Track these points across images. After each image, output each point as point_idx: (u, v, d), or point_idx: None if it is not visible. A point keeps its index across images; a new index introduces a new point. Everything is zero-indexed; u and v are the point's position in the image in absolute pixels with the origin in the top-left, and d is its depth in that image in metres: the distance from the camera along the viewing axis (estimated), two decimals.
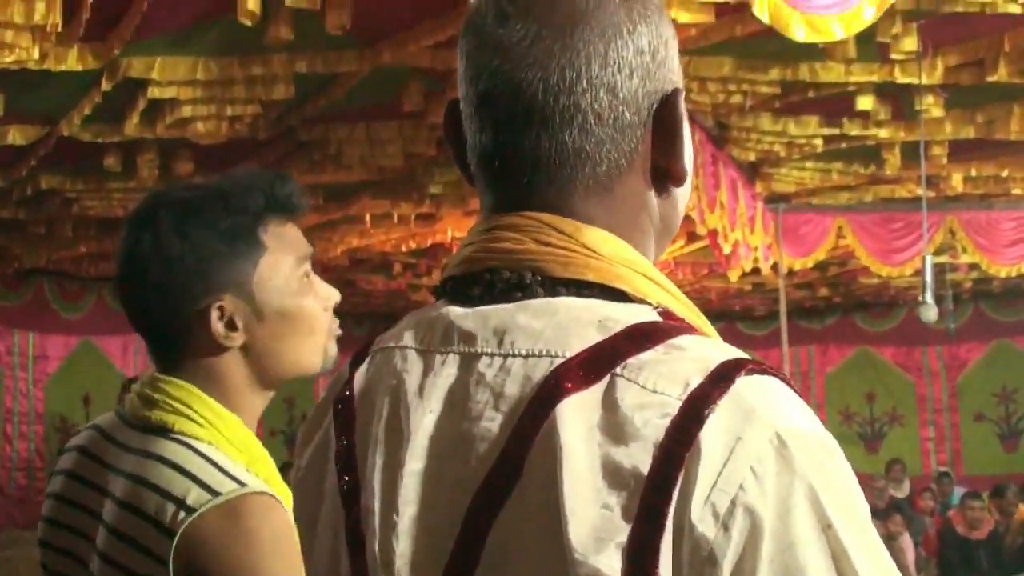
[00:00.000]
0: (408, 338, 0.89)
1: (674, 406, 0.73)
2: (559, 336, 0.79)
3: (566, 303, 0.82)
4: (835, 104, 5.97)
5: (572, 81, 0.84)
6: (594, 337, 0.78)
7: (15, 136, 5.68)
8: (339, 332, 1.55)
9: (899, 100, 6.01)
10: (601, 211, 0.86)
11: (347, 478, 0.88)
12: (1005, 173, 7.52)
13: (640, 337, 0.78)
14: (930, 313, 6.04)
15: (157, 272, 1.44)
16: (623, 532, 0.71)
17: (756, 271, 8.38)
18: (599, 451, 0.73)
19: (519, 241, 0.85)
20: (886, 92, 5.86)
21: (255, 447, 1.44)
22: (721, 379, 0.74)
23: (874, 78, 5.49)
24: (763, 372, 0.76)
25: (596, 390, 0.76)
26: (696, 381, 0.74)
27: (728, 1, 4.11)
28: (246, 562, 1.30)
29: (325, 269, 10.30)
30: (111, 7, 4.22)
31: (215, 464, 1.37)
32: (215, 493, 1.33)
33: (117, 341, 10.81)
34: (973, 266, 9.83)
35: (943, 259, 9.21)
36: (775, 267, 8.22)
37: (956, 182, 7.62)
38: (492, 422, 0.78)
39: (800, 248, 8.36)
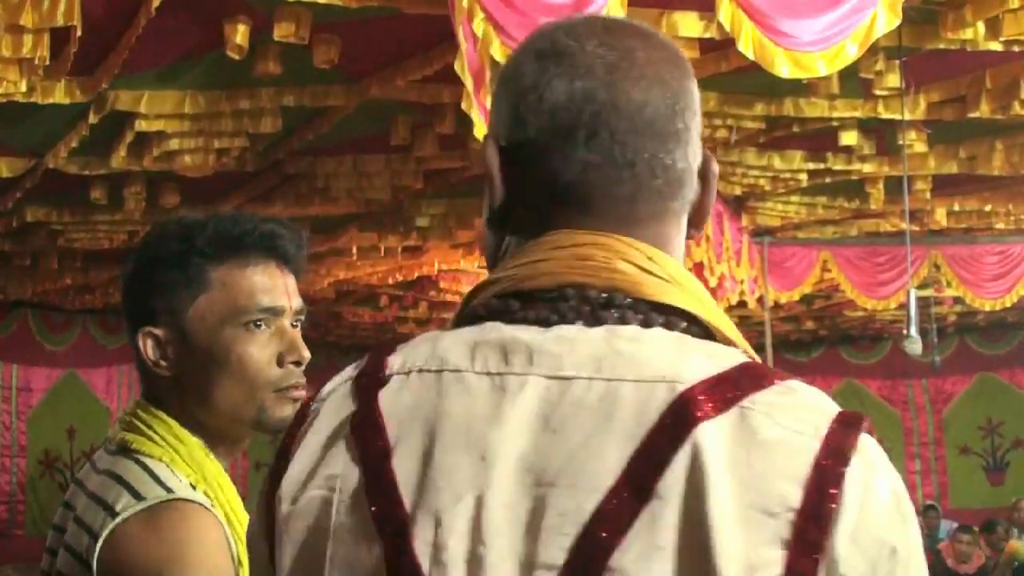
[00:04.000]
0: (458, 360, 0.84)
1: (813, 446, 0.76)
2: (670, 364, 0.79)
3: (658, 332, 0.82)
4: (819, 139, 6.02)
5: (683, 107, 0.88)
6: (707, 369, 0.79)
7: (1, 168, 5.68)
8: (299, 393, 1.48)
9: (883, 135, 6.06)
10: (668, 244, 0.89)
11: (388, 511, 0.80)
12: (988, 208, 7.58)
13: (756, 375, 0.79)
14: (915, 346, 6.05)
15: (122, 290, 1.54)
16: (778, 564, 0.73)
17: (742, 304, 8.41)
18: (745, 482, 0.74)
19: (607, 260, 0.85)
20: (870, 127, 5.91)
21: (209, 468, 1.44)
22: (850, 427, 0.77)
23: (858, 113, 5.54)
24: (870, 429, 0.81)
25: (726, 420, 0.76)
26: (824, 425, 0.77)
27: (713, 37, 4.15)
28: (162, 566, 1.30)
29: (311, 301, 10.27)
30: (99, 41, 4.23)
31: (154, 475, 1.38)
32: (140, 499, 1.34)
33: (101, 373, 10.75)
34: (957, 300, 9.88)
35: (928, 293, 9.25)
36: (761, 300, 8.25)
37: (940, 216, 7.68)
38: (604, 446, 0.76)
39: (786, 281, 8.40)
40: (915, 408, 13.93)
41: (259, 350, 1.46)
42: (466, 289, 10.33)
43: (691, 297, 0.85)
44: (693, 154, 0.89)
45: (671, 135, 0.87)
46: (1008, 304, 8.86)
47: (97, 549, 1.32)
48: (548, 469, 0.77)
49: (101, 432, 8.54)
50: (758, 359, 0.85)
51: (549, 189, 0.87)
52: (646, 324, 0.83)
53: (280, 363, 1.48)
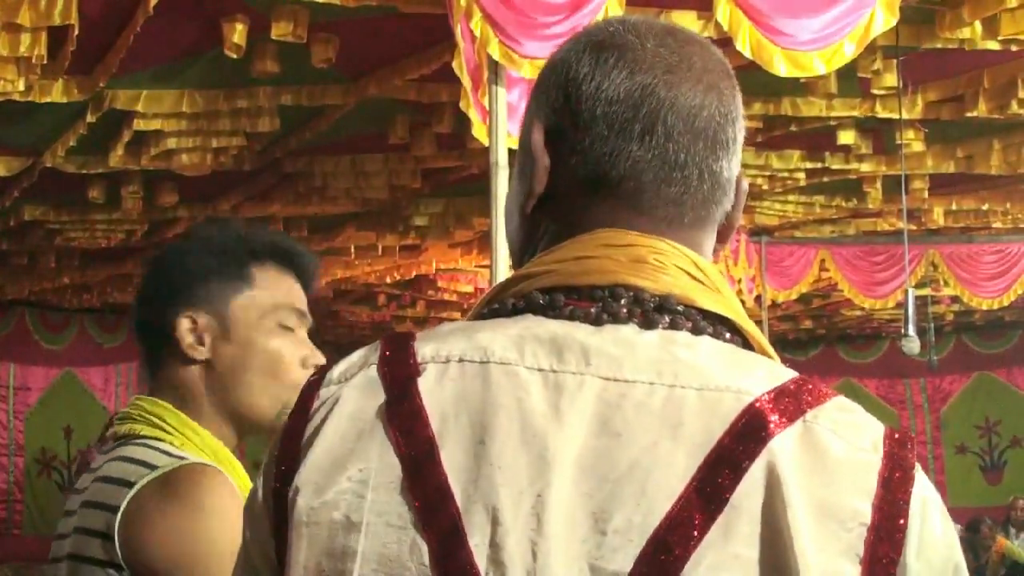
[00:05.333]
0: (504, 353, 0.80)
1: (876, 463, 0.76)
2: (732, 375, 0.79)
3: (710, 341, 0.82)
4: (817, 138, 6.03)
5: (735, 118, 0.88)
6: (768, 381, 0.78)
7: None
8: None
9: (880, 134, 6.07)
10: (703, 253, 0.89)
11: (436, 505, 0.76)
12: (986, 207, 7.59)
13: (812, 389, 0.79)
14: (913, 346, 6.06)
15: (154, 276, 1.59)
16: None
17: (740, 303, 8.40)
18: (818, 496, 0.74)
19: (661, 264, 0.84)
20: (867, 127, 5.91)
21: (223, 452, 1.49)
22: (904, 445, 0.78)
23: (855, 113, 5.55)
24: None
25: (793, 433, 0.76)
26: (881, 441, 0.78)
27: (711, 36, 4.15)
28: (181, 526, 1.35)
29: (309, 300, 10.27)
30: (97, 40, 4.23)
31: (163, 451, 1.43)
32: (154, 468, 1.39)
33: (99, 372, 10.75)
34: (955, 299, 9.89)
35: (925, 292, 9.26)
36: (759, 299, 8.25)
37: (937, 216, 7.68)
38: (672, 452, 0.75)
39: (783, 280, 8.40)
40: (912, 407, 13.94)
41: (291, 350, 1.54)
42: (464, 288, 10.38)
43: (732, 307, 0.85)
44: (735, 166, 0.89)
45: (721, 143, 0.87)
46: (1005, 303, 8.86)
47: (117, 522, 1.36)
48: (611, 473, 0.75)
49: (98, 431, 8.54)
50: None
51: (596, 181, 0.86)
52: (696, 331, 0.82)
53: (304, 365, 1.55)
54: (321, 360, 1.55)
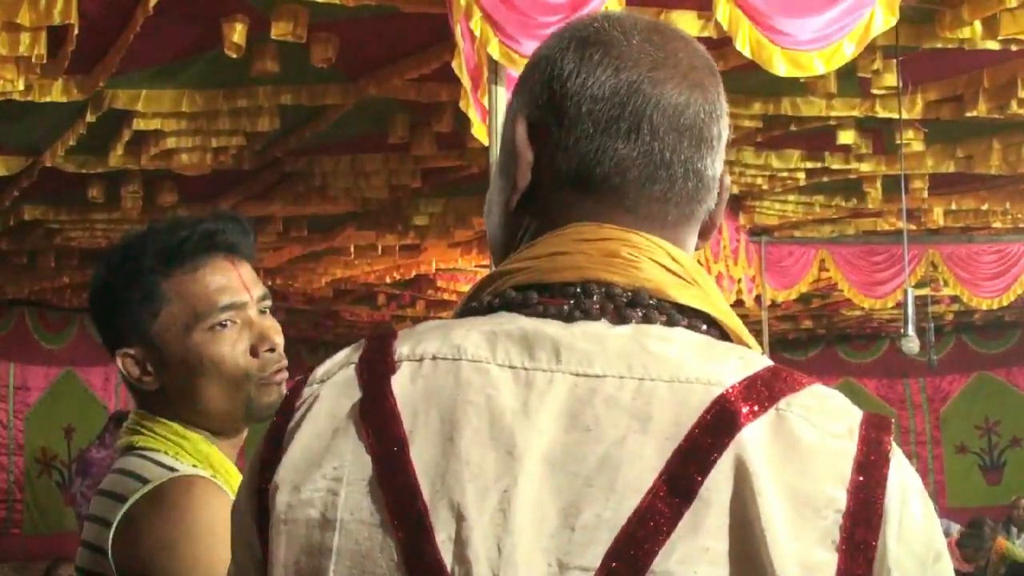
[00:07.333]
0: (476, 350, 0.81)
1: (851, 448, 0.76)
2: (704, 366, 0.78)
3: (685, 333, 0.82)
4: (817, 138, 6.03)
5: (719, 116, 0.88)
6: (740, 371, 0.78)
7: None
8: (281, 376, 1.51)
9: (880, 134, 6.07)
10: (685, 249, 0.88)
11: (405, 502, 0.77)
12: (985, 207, 7.59)
13: (786, 378, 0.79)
14: (912, 345, 6.06)
15: (91, 318, 1.57)
16: (831, 566, 0.73)
17: (739, 303, 8.41)
18: (790, 485, 0.74)
19: (634, 258, 0.83)
20: (867, 126, 5.92)
21: (214, 456, 1.48)
22: (882, 429, 0.77)
23: (855, 112, 5.55)
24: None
25: (764, 423, 0.76)
26: (856, 427, 0.77)
27: (711, 36, 4.15)
28: (171, 539, 1.35)
29: (309, 300, 10.28)
30: (96, 39, 4.23)
31: (157, 462, 1.44)
32: (146, 482, 1.40)
33: (99, 372, 10.74)
34: (955, 299, 9.89)
35: (925, 292, 9.26)
36: (758, 299, 8.25)
37: (937, 215, 7.69)
38: (641, 446, 0.75)
39: (783, 280, 8.40)
40: (912, 407, 13.94)
41: (230, 348, 1.48)
42: (464, 288, 10.39)
43: (710, 300, 0.85)
44: (719, 164, 0.89)
45: (706, 140, 0.87)
46: (1005, 303, 8.86)
47: (111, 537, 1.37)
48: (581, 468, 0.75)
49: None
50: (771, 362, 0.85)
51: (580, 178, 0.86)
52: (670, 324, 0.82)
53: (255, 354, 1.50)
54: (274, 338, 1.50)
